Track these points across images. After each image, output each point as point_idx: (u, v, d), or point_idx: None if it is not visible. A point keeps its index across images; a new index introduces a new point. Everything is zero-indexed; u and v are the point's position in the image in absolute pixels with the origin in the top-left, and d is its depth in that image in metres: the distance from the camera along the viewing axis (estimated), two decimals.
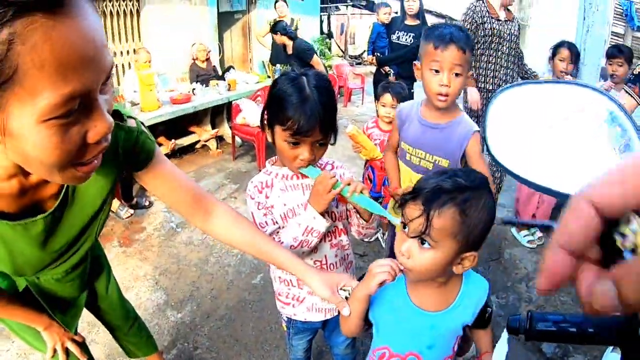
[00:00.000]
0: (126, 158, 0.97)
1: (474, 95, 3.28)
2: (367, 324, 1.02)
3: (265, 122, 1.19)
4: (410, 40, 4.29)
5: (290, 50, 4.73)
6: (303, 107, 1.08)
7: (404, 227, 0.90)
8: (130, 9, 5.25)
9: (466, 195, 0.84)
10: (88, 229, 1.01)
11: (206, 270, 2.85)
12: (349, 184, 1.10)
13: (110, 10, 4.97)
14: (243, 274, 2.79)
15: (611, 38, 7.39)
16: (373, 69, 4.80)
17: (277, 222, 1.25)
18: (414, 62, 1.69)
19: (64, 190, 0.89)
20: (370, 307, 0.98)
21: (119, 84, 4.89)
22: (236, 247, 1.14)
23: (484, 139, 0.58)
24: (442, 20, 21.32)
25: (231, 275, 2.78)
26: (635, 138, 0.50)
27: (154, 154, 1.01)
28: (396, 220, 1.02)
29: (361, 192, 1.09)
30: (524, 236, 3.26)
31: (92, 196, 0.97)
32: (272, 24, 5.87)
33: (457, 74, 1.52)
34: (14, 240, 0.87)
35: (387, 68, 4.48)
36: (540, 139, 0.51)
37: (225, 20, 7.91)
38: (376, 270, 0.90)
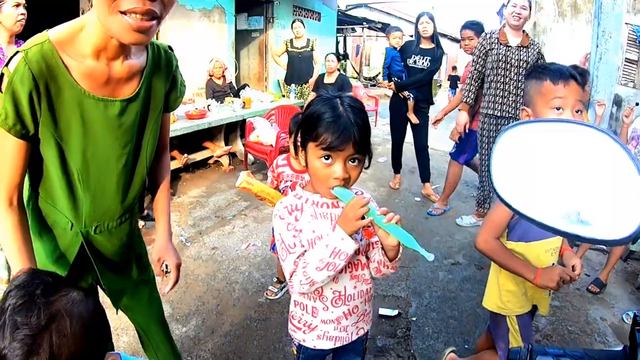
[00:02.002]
0: (171, 86, 1.22)
1: (462, 118, 3.67)
2: None
3: (299, 143, 1.20)
4: (427, 64, 4.32)
5: (333, 80, 5.26)
6: (336, 122, 1.11)
7: None
8: None
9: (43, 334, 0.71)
10: (147, 133, 1.21)
11: (213, 285, 2.86)
12: (384, 214, 1.08)
13: None
14: (250, 291, 2.80)
15: (624, 64, 7.36)
16: (387, 91, 4.81)
17: (304, 245, 1.22)
18: (523, 107, 1.50)
19: (138, 86, 1.11)
20: None
21: None
22: None
23: (488, 174, 0.59)
24: (457, 45, 21.42)
25: (238, 292, 2.79)
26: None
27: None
28: (431, 256, 1.02)
29: (396, 223, 1.07)
30: None
31: (155, 102, 1.18)
32: (287, 42, 6.02)
33: (579, 111, 1.35)
34: (94, 120, 1.05)
35: (406, 93, 4.46)
36: (543, 177, 0.52)
37: (242, 38, 8.08)
38: None
